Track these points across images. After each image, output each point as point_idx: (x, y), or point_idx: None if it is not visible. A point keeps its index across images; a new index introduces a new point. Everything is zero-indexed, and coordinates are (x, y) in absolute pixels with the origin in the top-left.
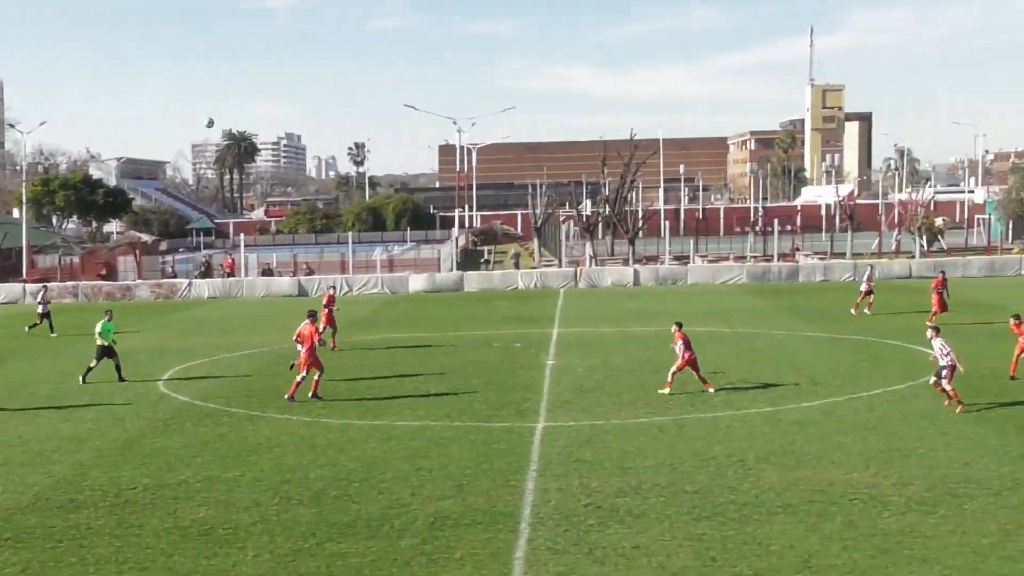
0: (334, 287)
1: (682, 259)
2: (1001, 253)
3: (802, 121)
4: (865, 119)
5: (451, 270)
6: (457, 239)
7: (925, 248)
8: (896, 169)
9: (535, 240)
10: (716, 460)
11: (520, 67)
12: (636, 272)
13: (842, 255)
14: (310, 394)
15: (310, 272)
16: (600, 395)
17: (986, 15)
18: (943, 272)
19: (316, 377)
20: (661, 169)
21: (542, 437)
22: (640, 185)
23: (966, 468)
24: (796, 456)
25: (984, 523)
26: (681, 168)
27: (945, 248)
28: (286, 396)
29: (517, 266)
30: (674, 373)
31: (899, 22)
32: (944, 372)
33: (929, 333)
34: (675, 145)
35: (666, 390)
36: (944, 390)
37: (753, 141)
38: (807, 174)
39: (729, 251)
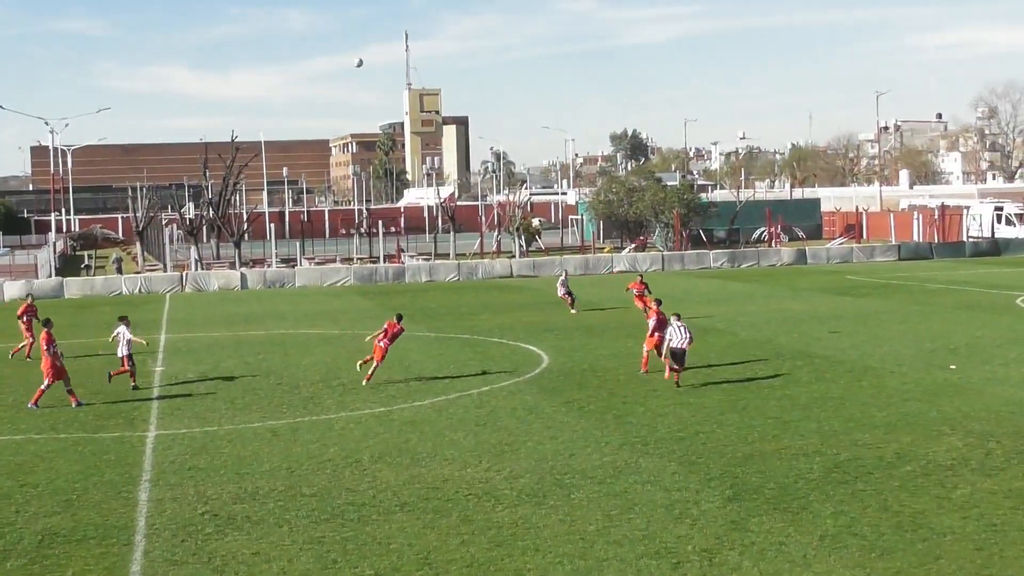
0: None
1: (289, 261)
2: (594, 252)
3: (402, 124)
4: (462, 123)
5: (49, 276)
6: (55, 244)
7: (524, 248)
8: (493, 171)
9: (137, 244)
10: (333, 462)
11: (113, 67)
12: (243, 275)
13: (446, 256)
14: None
15: None
16: (213, 401)
17: (566, 25)
18: (641, 276)
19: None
20: (264, 171)
21: (154, 446)
22: (244, 187)
23: (571, 459)
24: (411, 455)
25: (590, 511)
26: (284, 171)
27: (543, 248)
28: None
29: (120, 271)
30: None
31: (489, 29)
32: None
33: (672, 319)
34: (277, 147)
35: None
36: (674, 369)
37: (354, 144)
38: (408, 176)
39: (336, 253)
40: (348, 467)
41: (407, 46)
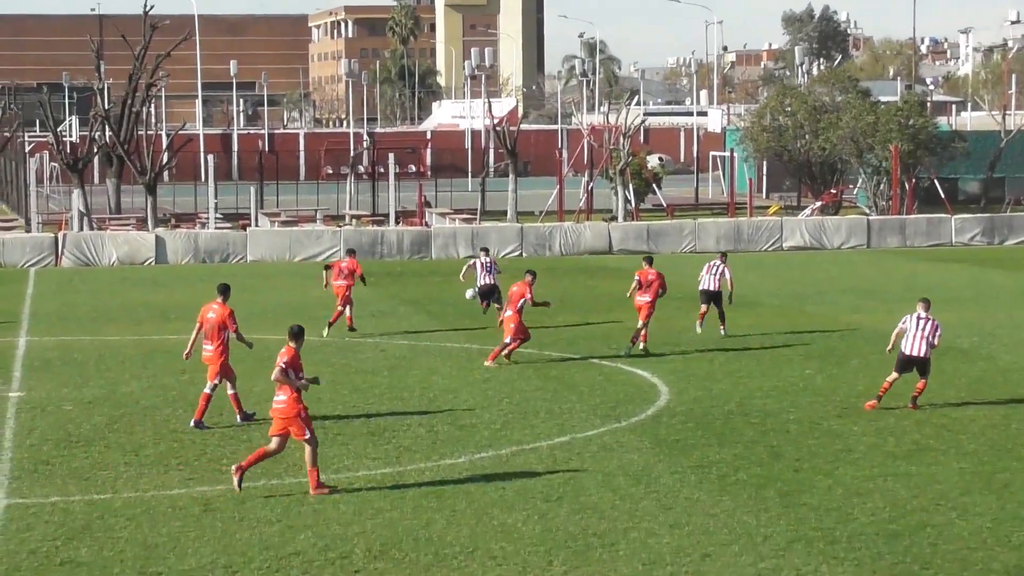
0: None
1: (238, 219)
2: (751, 214)
3: None
4: None
5: None
6: None
7: (633, 205)
8: (584, 75)
9: None
10: (303, 559)
11: None
12: (159, 240)
13: (501, 214)
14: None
15: None
16: (104, 450)
17: None
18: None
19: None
20: (199, 67)
21: (2, 526)
22: (164, 94)
23: (705, 563)
24: (434, 549)
25: None
26: (232, 66)
27: (665, 205)
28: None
29: None
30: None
31: None
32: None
33: None
34: (222, 26)
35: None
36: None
37: (351, 24)
38: (441, 80)
39: (316, 207)
40: (328, 568)
41: None
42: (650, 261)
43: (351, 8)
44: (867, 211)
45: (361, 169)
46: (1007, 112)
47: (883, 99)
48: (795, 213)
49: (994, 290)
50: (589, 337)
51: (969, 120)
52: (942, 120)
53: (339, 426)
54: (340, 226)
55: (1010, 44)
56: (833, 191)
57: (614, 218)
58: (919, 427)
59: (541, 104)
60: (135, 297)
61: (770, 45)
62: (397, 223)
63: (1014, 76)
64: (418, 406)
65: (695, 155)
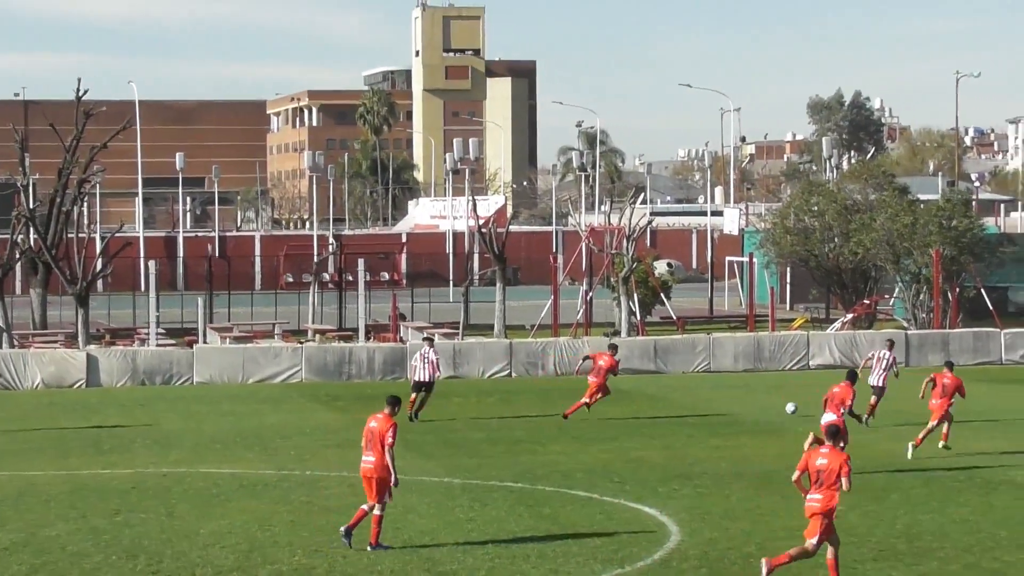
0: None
1: (184, 334)
2: (774, 328)
3: (407, 74)
4: (524, 74)
5: None
6: None
7: (638, 316)
8: (582, 169)
9: None
10: None
11: None
12: (91, 359)
13: (487, 328)
14: None
15: None
16: None
17: None
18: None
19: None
20: (139, 159)
21: None
22: (99, 190)
23: None
24: None
25: None
26: (179, 159)
27: (674, 317)
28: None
29: None
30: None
31: None
32: None
33: None
34: (168, 113)
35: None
36: None
37: (315, 111)
38: (419, 175)
39: (274, 320)
40: None
41: None
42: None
43: (315, 93)
44: (905, 324)
45: (326, 277)
46: None
47: (922, 197)
48: (823, 327)
49: None
50: (589, 469)
51: (1020, 221)
52: (989, 221)
53: (299, 574)
54: (301, 342)
55: None
56: (866, 301)
57: (616, 332)
58: (966, 571)
59: (533, 202)
60: (62, 425)
61: (794, 135)
62: (367, 339)
63: None
64: (391, 551)
65: (709, 260)
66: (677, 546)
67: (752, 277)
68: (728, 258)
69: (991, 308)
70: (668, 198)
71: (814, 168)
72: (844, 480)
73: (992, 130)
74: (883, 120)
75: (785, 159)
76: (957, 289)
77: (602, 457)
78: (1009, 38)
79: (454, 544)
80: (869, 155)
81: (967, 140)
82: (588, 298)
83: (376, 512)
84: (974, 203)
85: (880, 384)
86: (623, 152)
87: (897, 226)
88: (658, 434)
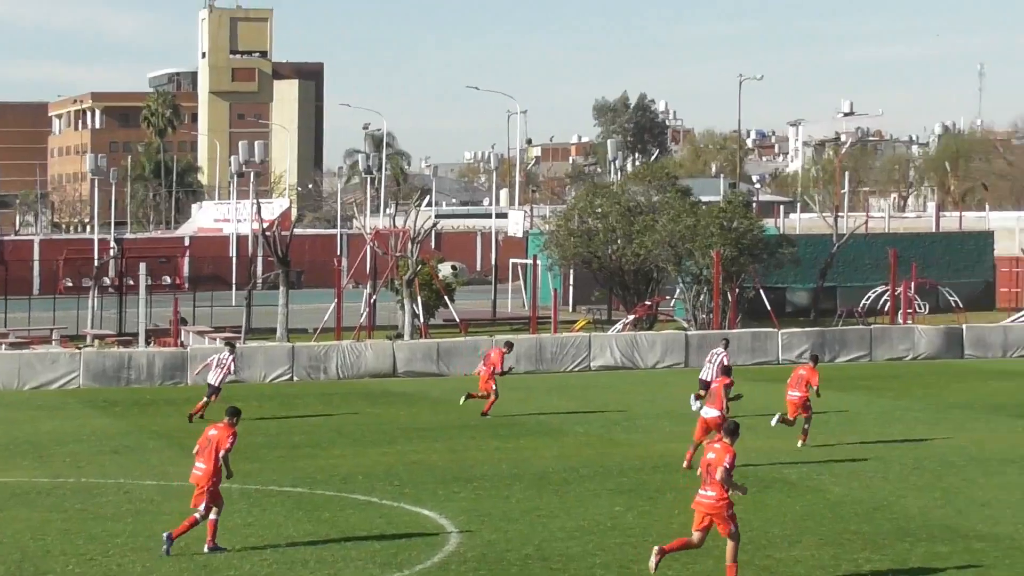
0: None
1: None
2: (556, 329)
3: (193, 76)
4: (311, 76)
5: None
6: None
7: (422, 319)
8: (369, 172)
9: None
10: None
11: None
12: None
13: (270, 332)
14: None
15: None
16: None
17: None
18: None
19: None
20: None
21: None
22: None
23: None
24: None
25: None
26: None
27: (458, 320)
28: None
29: None
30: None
31: None
32: None
33: None
34: None
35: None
36: None
37: (98, 113)
38: (203, 177)
39: (52, 325)
40: None
41: None
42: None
43: (99, 95)
44: (686, 325)
45: (107, 281)
46: (839, 214)
47: (705, 199)
48: (605, 328)
49: (824, 413)
50: (369, 473)
51: (798, 223)
52: (769, 223)
53: None
54: (80, 348)
55: (843, 138)
56: (648, 303)
57: (400, 335)
58: (741, 569)
59: (319, 205)
60: None
61: (580, 138)
62: (148, 344)
63: (847, 174)
64: (166, 557)
65: (493, 263)
66: (456, 548)
67: (536, 279)
68: (512, 260)
69: (769, 308)
70: (454, 200)
71: (599, 170)
72: (720, 470)
73: (773, 132)
74: (667, 122)
75: (571, 161)
76: (736, 290)
77: (383, 460)
78: (790, 42)
79: (232, 550)
80: (653, 157)
81: (749, 142)
82: (372, 301)
83: (212, 516)
84: (755, 205)
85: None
86: (409, 154)
87: (679, 227)
88: (440, 437)
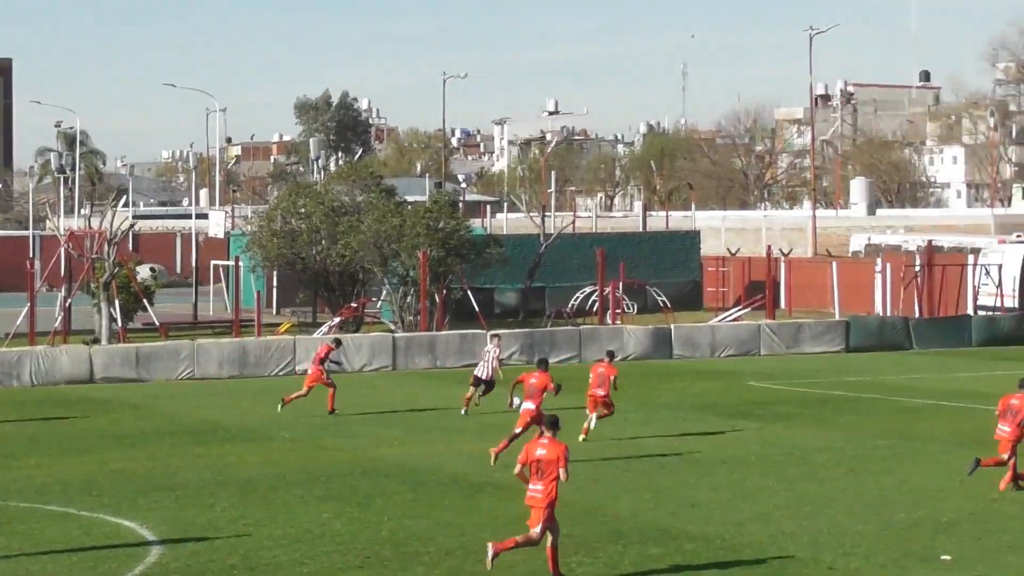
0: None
1: None
2: (260, 332)
3: None
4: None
5: None
6: None
7: (119, 323)
8: (62, 170)
9: None
10: None
11: None
12: None
13: None
14: None
15: None
16: None
17: None
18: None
19: None
20: None
21: None
22: None
23: None
24: None
25: None
26: None
27: (157, 323)
28: None
29: None
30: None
31: None
32: None
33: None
34: None
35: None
36: None
37: None
38: None
39: None
40: None
41: None
42: None
43: None
44: (392, 327)
45: None
46: (546, 214)
47: (410, 199)
48: (310, 331)
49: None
50: (65, 483)
51: (506, 222)
52: (476, 223)
53: None
54: None
55: (548, 137)
56: (354, 304)
57: (96, 340)
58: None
59: (9, 206)
60: None
61: (281, 136)
62: None
63: (553, 173)
64: None
65: (194, 264)
66: (158, 560)
67: (238, 281)
68: (214, 262)
69: (477, 310)
70: (152, 201)
71: (301, 169)
72: (562, 472)
73: (479, 131)
74: (371, 121)
75: (272, 160)
76: (444, 291)
77: (81, 470)
78: (496, 40)
79: None
80: (357, 156)
81: (454, 141)
82: (67, 305)
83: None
84: (461, 204)
85: (486, 377)
86: (104, 153)
87: (385, 228)
88: (140, 444)
